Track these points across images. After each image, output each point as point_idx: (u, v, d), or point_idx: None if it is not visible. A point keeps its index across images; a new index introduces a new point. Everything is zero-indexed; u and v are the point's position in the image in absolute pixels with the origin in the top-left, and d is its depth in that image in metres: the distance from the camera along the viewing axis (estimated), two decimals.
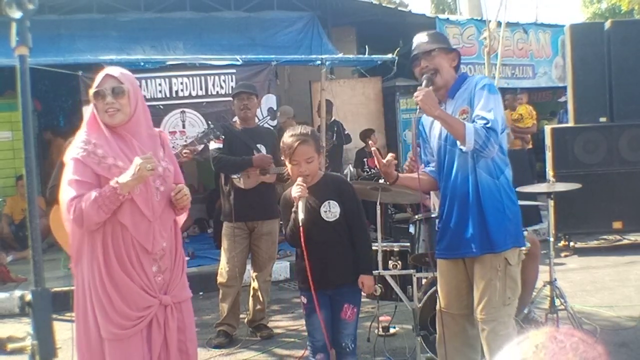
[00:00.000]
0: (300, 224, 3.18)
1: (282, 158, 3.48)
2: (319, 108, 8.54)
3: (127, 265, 2.84)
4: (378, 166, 3.47)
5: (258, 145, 5.15)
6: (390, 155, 3.44)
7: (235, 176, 5.10)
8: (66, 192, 2.84)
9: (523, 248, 3.54)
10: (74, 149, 2.87)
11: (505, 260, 3.29)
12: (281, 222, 4.87)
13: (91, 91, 2.92)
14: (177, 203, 2.98)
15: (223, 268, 5.15)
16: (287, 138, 3.37)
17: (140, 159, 2.76)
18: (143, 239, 2.87)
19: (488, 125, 3.14)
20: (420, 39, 3.45)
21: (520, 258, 3.47)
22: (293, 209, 3.28)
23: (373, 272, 4.12)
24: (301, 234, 3.19)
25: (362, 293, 3.53)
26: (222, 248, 5.24)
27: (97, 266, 2.83)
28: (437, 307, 3.56)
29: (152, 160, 2.79)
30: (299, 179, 3.29)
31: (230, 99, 5.63)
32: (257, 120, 7.75)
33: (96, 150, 2.84)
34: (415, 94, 3.23)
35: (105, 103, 2.87)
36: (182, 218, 3.18)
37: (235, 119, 5.55)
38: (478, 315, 3.32)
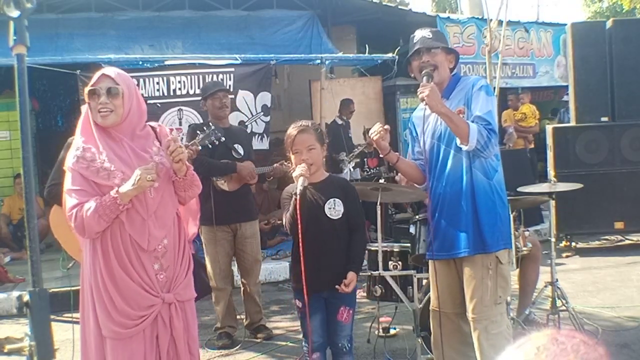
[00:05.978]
0: (298, 194, 3.17)
1: (287, 153, 3.48)
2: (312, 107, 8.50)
3: (126, 264, 2.83)
4: (372, 141, 3.44)
5: (235, 145, 5.06)
6: (379, 124, 3.41)
7: (218, 179, 5.04)
8: (67, 201, 2.85)
9: (511, 249, 3.54)
10: (69, 157, 2.87)
11: (496, 258, 3.30)
12: (280, 221, 4.84)
13: (86, 89, 2.89)
14: (173, 157, 2.84)
15: (211, 273, 5.01)
16: (288, 131, 3.42)
17: (140, 169, 2.74)
18: (138, 236, 2.84)
19: (490, 127, 3.22)
20: (422, 34, 3.45)
21: (510, 257, 3.47)
22: (293, 192, 3.27)
23: (373, 272, 4.12)
24: (298, 205, 3.16)
25: (357, 293, 3.53)
26: (205, 253, 5.08)
27: (99, 265, 2.83)
28: (431, 306, 3.56)
29: (153, 171, 2.77)
30: (303, 164, 3.29)
31: (230, 97, 5.49)
32: (250, 115, 7.80)
33: (85, 154, 2.82)
34: (420, 89, 3.22)
35: (99, 103, 2.83)
36: (192, 191, 3.04)
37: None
38: (470, 315, 3.32)
